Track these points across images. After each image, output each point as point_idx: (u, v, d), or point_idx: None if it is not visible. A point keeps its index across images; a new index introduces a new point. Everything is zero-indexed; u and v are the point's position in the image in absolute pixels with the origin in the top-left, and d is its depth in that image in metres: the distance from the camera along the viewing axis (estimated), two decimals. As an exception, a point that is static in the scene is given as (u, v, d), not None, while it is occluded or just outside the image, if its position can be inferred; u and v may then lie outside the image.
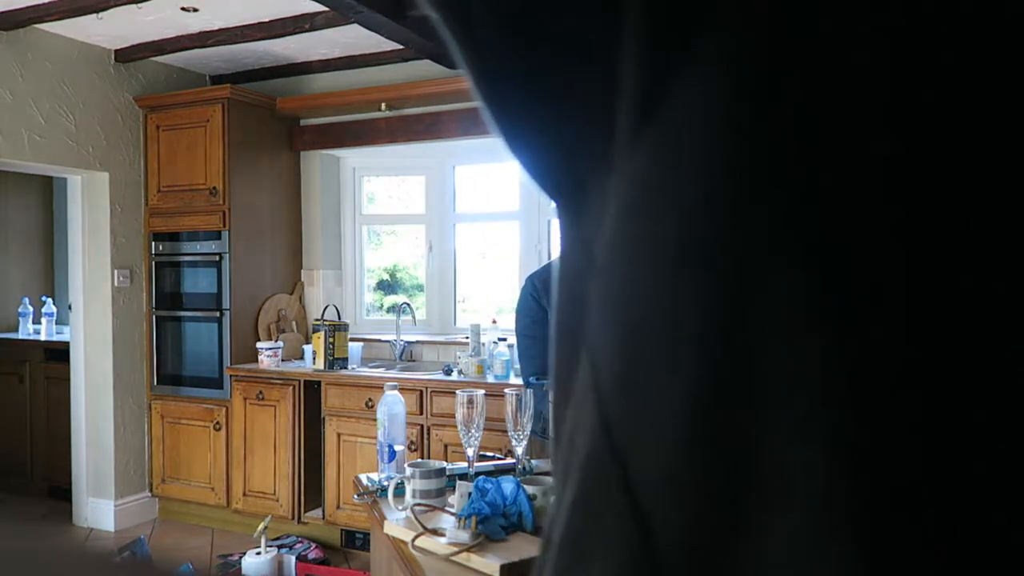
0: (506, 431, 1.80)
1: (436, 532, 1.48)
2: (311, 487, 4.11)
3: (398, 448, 1.90)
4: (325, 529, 4.08)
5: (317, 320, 4.14)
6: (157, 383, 4.53)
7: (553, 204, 0.32)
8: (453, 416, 1.81)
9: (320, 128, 4.63)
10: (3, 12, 3.66)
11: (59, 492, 4.77)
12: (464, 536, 1.42)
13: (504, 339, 3.85)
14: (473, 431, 1.76)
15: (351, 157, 4.82)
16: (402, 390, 2.03)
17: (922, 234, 0.22)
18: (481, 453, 2.00)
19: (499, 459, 2.07)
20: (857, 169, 0.23)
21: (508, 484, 1.54)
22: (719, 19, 0.24)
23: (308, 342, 4.36)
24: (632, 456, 0.26)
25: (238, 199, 4.32)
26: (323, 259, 4.74)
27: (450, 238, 4.68)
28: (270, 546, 3.61)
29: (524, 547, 1.42)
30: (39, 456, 5.01)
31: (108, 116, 4.35)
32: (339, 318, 4.30)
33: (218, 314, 4.32)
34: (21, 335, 5.39)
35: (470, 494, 1.55)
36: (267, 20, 3.82)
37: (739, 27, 0.24)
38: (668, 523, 0.25)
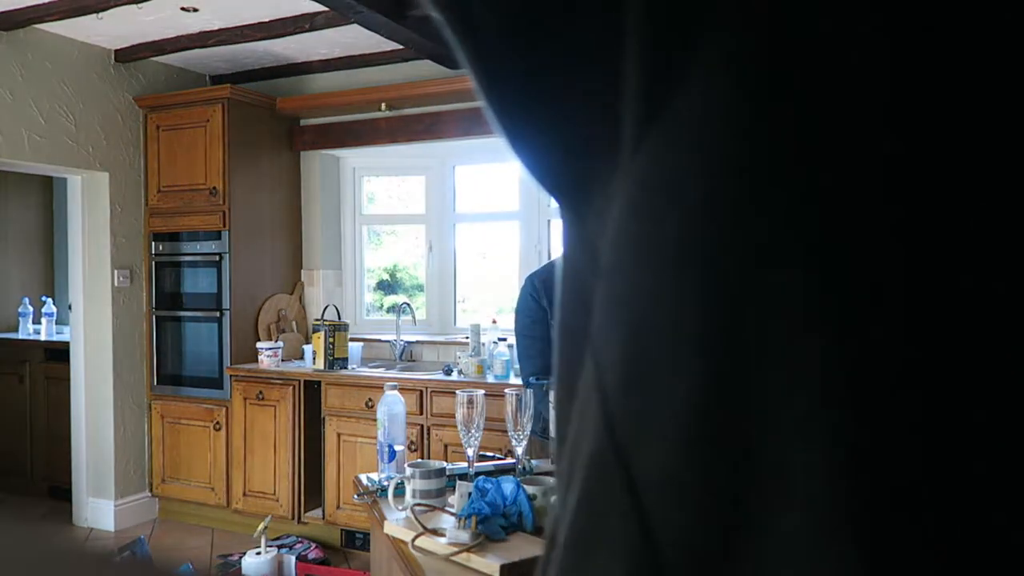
0: (506, 431, 1.80)
1: (436, 532, 1.48)
2: (311, 487, 4.11)
3: (398, 448, 1.90)
4: (325, 529, 4.08)
5: (317, 320, 4.14)
6: (157, 383, 4.53)
7: (556, 204, 0.32)
8: (453, 416, 1.81)
9: (320, 128, 4.63)
10: (3, 12, 3.66)
11: (59, 492, 4.77)
12: (464, 536, 1.42)
13: (504, 339, 3.85)
14: (473, 431, 1.76)
15: (351, 157, 4.82)
16: (402, 390, 2.03)
17: (922, 234, 0.22)
18: (481, 453, 2.00)
19: (499, 459, 2.07)
20: (857, 169, 0.23)
21: (508, 484, 1.54)
22: (720, 19, 0.24)
23: (308, 342, 4.36)
24: (635, 456, 0.26)
25: (238, 199, 4.32)
26: (323, 259, 4.74)
27: (450, 238, 4.68)
28: (270, 546, 3.61)
29: (524, 547, 1.42)
30: (39, 456, 5.01)
31: (108, 116, 4.35)
32: (339, 318, 4.30)
33: (218, 314, 4.32)
34: (21, 335, 5.39)
35: (470, 494, 1.55)
36: (267, 20, 3.82)
37: (739, 27, 0.24)
38: (669, 523, 0.25)
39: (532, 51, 0.29)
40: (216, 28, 3.97)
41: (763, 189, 0.24)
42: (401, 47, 4.01)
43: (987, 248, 0.22)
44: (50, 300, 5.43)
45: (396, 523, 1.56)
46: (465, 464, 1.84)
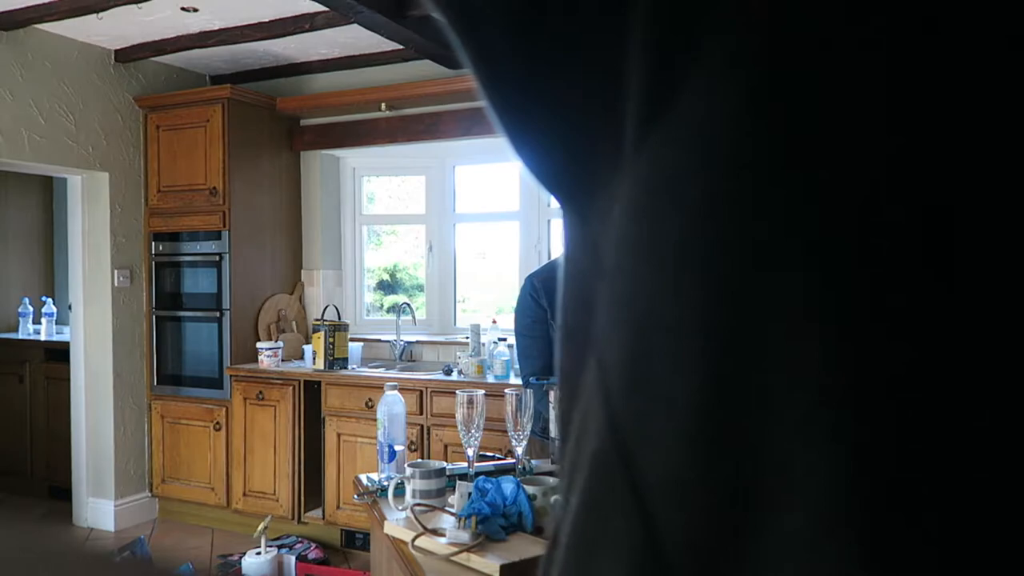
0: (506, 431, 1.80)
1: (436, 532, 1.48)
2: (311, 487, 4.11)
3: (398, 448, 1.90)
4: (325, 529, 4.08)
5: (317, 320, 4.14)
6: (157, 383, 4.53)
7: (556, 204, 0.32)
8: (453, 416, 1.81)
9: (320, 128, 4.63)
10: (3, 12, 3.66)
11: (59, 492, 4.77)
12: (464, 536, 1.42)
13: (504, 339, 3.85)
14: (473, 431, 1.76)
15: (351, 157, 4.82)
16: (402, 390, 2.03)
17: (923, 234, 0.22)
18: (481, 453, 2.00)
19: (499, 459, 2.07)
20: (858, 168, 0.23)
21: (508, 484, 1.54)
22: (721, 20, 0.24)
23: (308, 342, 4.36)
24: (638, 456, 0.26)
25: (238, 199, 4.32)
26: (323, 259, 4.74)
27: (450, 238, 4.68)
28: (270, 546, 3.61)
29: (524, 547, 1.42)
30: (39, 456, 5.01)
31: (108, 116, 4.35)
32: (339, 318, 4.30)
33: (218, 314, 4.32)
34: (21, 335, 5.39)
35: (470, 494, 1.55)
36: (267, 20, 3.82)
37: (740, 27, 0.24)
38: (672, 523, 0.25)
39: (534, 51, 0.29)
40: (216, 28, 3.97)
41: (763, 189, 0.24)
42: (401, 47, 4.01)
43: (988, 248, 0.22)
44: (50, 300, 5.43)
45: (396, 523, 1.56)
46: (465, 464, 1.84)
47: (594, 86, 0.28)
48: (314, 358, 4.09)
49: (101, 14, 3.67)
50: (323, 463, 4.03)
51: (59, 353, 4.86)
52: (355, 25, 3.55)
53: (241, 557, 3.63)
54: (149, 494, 4.57)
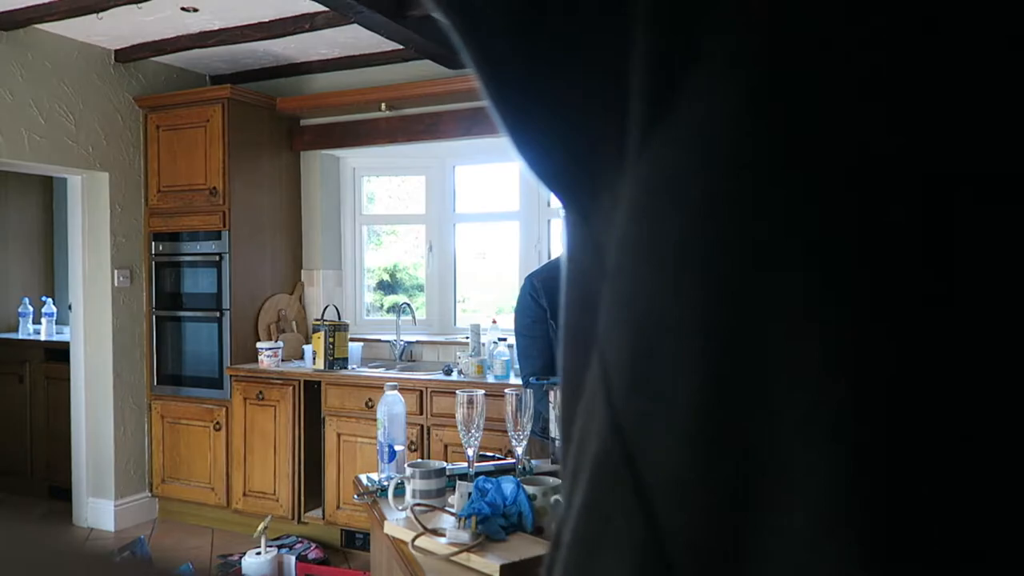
0: (506, 431, 1.80)
1: (436, 532, 1.47)
2: (311, 487, 4.11)
3: (398, 448, 1.90)
4: (325, 529, 4.08)
5: (317, 320, 4.14)
6: (157, 383, 4.53)
7: (557, 203, 0.32)
8: (453, 416, 1.81)
9: (320, 128, 4.63)
10: (3, 12, 3.66)
11: (59, 492, 4.77)
12: (464, 536, 1.42)
13: (504, 339, 3.85)
14: (473, 431, 1.76)
15: (351, 157, 4.82)
16: (402, 390, 2.03)
17: (922, 234, 0.22)
18: (481, 453, 2.00)
19: (499, 459, 2.07)
20: (858, 168, 0.23)
21: (508, 484, 1.54)
22: (721, 20, 0.24)
23: (308, 342, 4.36)
24: (640, 456, 0.26)
25: (238, 199, 4.32)
26: (323, 259, 4.74)
27: (450, 238, 4.68)
28: (270, 546, 3.61)
29: (524, 547, 1.42)
30: (39, 456, 5.01)
31: (108, 116, 4.35)
32: (339, 318, 4.30)
33: (218, 314, 4.32)
34: (21, 335, 5.39)
35: (470, 494, 1.55)
36: (267, 20, 3.82)
37: (740, 27, 0.24)
38: (673, 523, 0.25)
39: (534, 51, 0.29)
40: (216, 28, 3.97)
41: (763, 189, 0.24)
42: (401, 47, 4.01)
43: (988, 248, 0.22)
44: (50, 300, 5.43)
45: (396, 523, 1.56)
46: (465, 464, 1.84)
47: (594, 86, 0.28)
48: (314, 358, 4.09)
49: (101, 14, 3.67)
50: (323, 463, 4.03)
51: (59, 353, 4.85)
52: (355, 25, 3.55)
53: (241, 557, 3.63)
54: (149, 494, 4.57)
